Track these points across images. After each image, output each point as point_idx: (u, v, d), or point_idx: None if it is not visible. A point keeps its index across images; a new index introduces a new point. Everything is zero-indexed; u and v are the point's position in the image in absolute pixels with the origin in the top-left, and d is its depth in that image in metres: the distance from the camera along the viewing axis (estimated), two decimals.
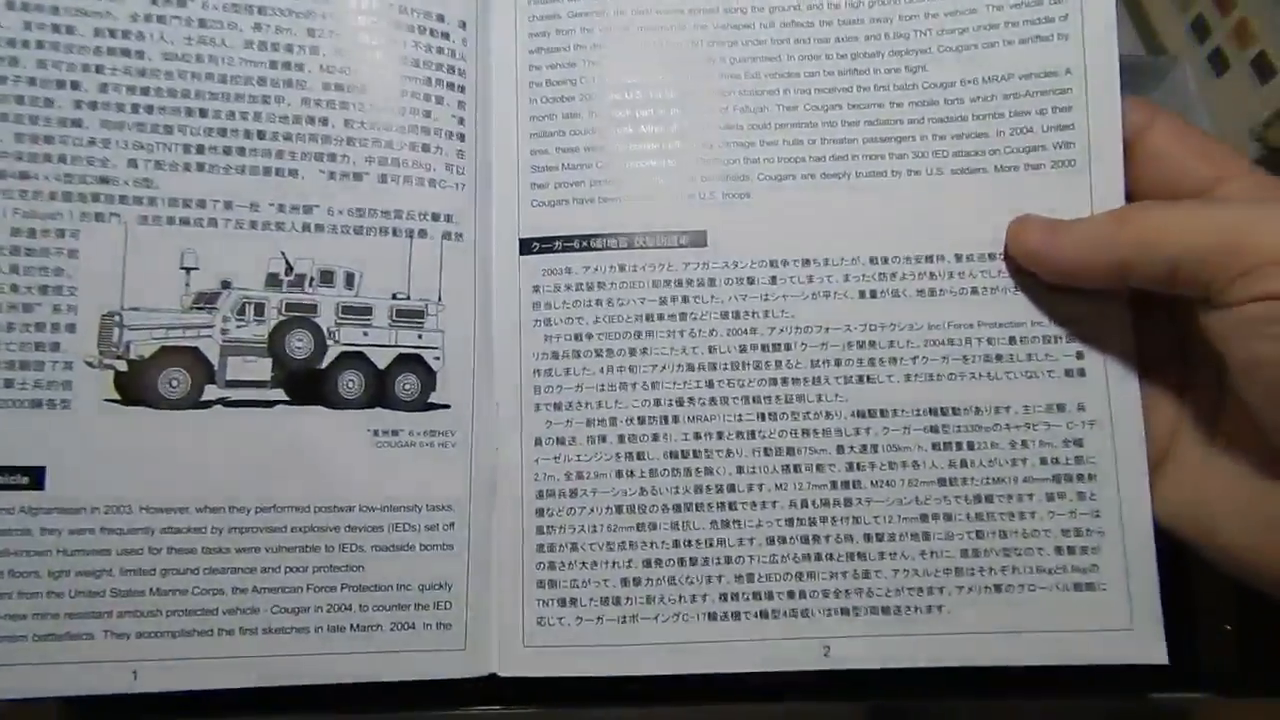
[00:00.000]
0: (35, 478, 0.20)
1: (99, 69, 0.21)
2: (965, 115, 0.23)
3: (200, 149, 0.21)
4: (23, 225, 0.21)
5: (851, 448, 0.22)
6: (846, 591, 0.22)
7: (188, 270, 0.21)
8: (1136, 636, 0.21)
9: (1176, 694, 0.23)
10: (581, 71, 0.24)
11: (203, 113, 0.21)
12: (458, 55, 0.23)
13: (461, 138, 0.23)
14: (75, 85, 0.21)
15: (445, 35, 0.23)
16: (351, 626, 0.21)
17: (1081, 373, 0.22)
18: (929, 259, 0.23)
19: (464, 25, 0.24)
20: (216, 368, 0.22)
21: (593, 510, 0.22)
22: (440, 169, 0.23)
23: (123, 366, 0.21)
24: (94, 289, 0.21)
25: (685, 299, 0.23)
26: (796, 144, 0.23)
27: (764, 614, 0.22)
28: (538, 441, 0.23)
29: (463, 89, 0.23)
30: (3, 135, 0.21)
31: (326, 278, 0.22)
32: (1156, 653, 0.21)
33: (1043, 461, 0.22)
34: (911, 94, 0.23)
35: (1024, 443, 0.22)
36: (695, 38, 0.24)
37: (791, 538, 0.22)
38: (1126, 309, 0.22)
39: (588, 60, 0.24)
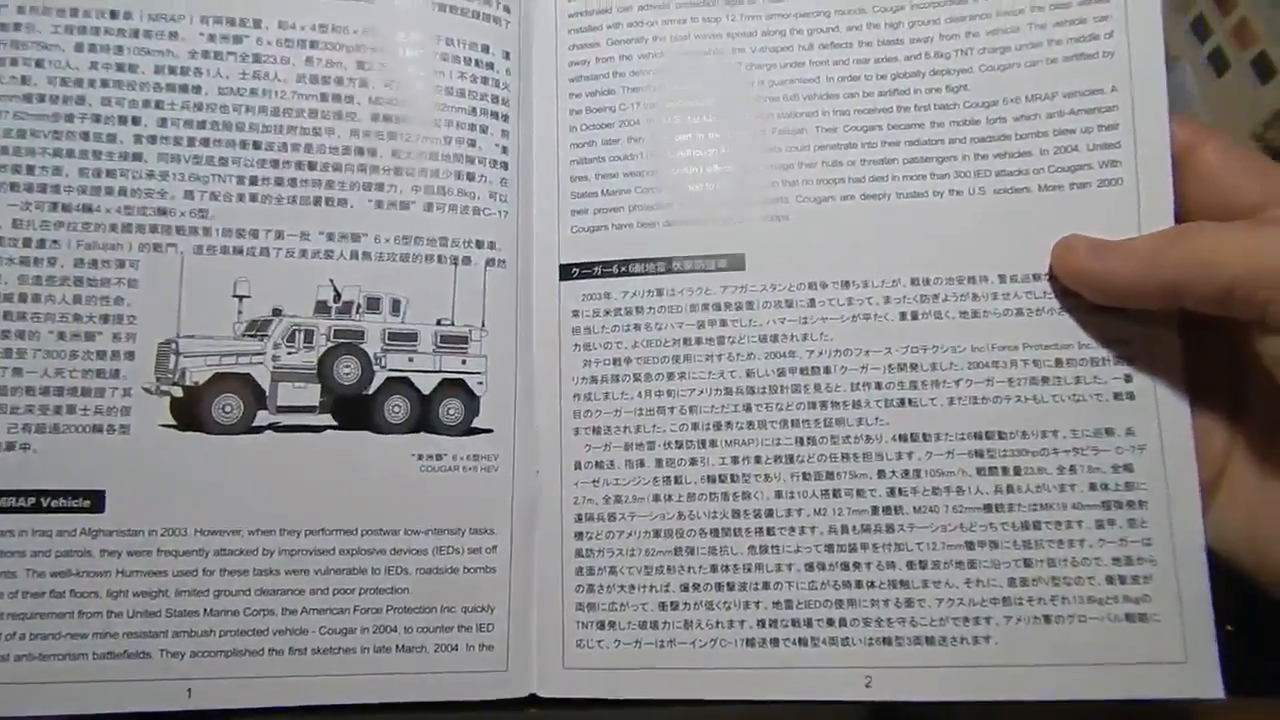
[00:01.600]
0: (96, 501, 0.20)
1: (159, 104, 0.21)
2: (1008, 134, 0.22)
3: (254, 180, 0.22)
4: (85, 256, 0.21)
5: (893, 472, 0.22)
6: (889, 620, 0.21)
7: (240, 299, 0.21)
8: (1191, 670, 0.20)
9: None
10: (620, 99, 0.24)
11: (256, 145, 0.22)
12: (501, 85, 0.23)
13: (505, 166, 0.23)
14: (136, 121, 0.21)
15: (490, 65, 0.23)
16: (397, 647, 0.21)
17: (1130, 396, 0.21)
18: (972, 280, 0.22)
19: (508, 55, 0.24)
20: (268, 393, 0.22)
21: (631, 534, 0.22)
22: (484, 197, 0.23)
23: (179, 393, 0.21)
24: (152, 318, 0.21)
25: (723, 322, 0.23)
26: (836, 165, 0.23)
27: (803, 641, 0.21)
28: (577, 465, 0.23)
29: (506, 118, 0.23)
30: (68, 170, 0.21)
31: (373, 305, 0.22)
32: (1212, 688, 0.20)
33: (1092, 487, 0.21)
34: (952, 113, 0.23)
35: (1072, 468, 0.21)
36: (734, 61, 0.24)
37: (831, 564, 0.22)
38: (1176, 331, 0.21)
39: (626, 88, 0.24)
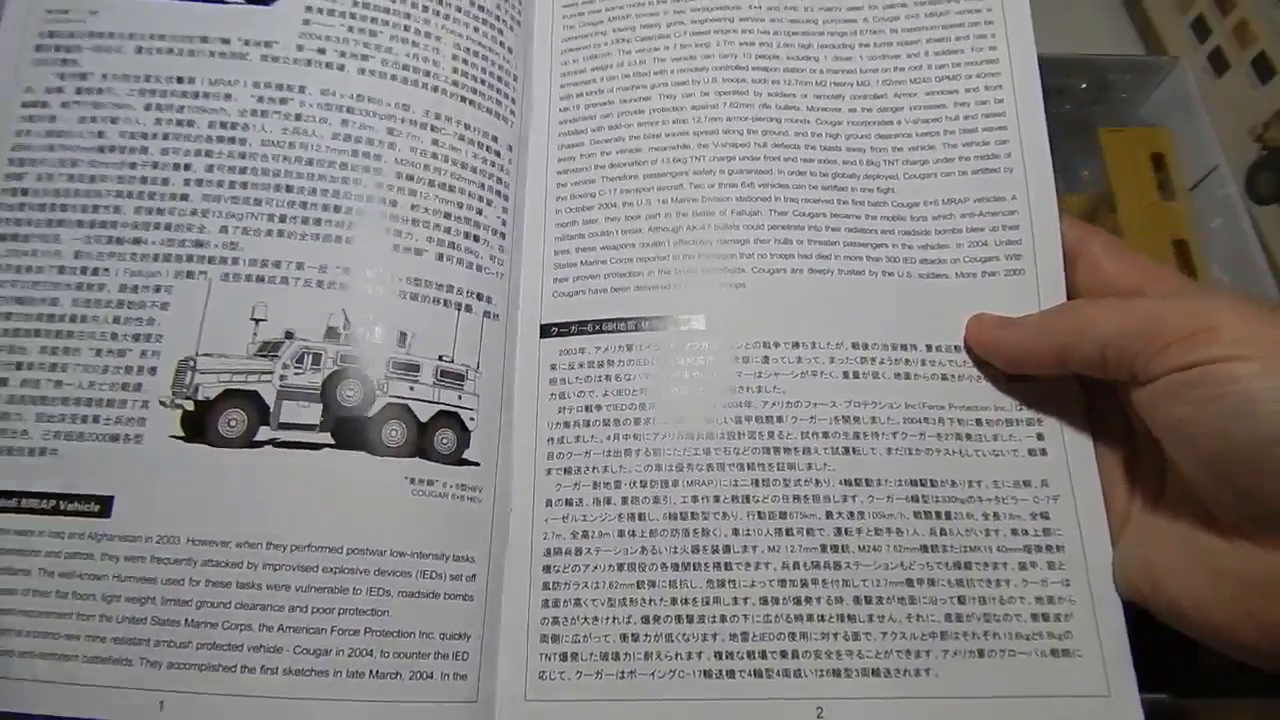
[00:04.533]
0: (105, 505, 0.23)
1: (208, 154, 0.27)
2: (929, 230, 0.29)
3: (283, 219, 0.26)
4: (129, 282, 0.25)
5: (839, 513, 0.26)
6: (838, 653, 0.24)
7: (257, 321, 0.25)
8: (1114, 703, 0.24)
9: (1177, 694, 0.25)
10: (600, 186, 0.30)
11: (289, 188, 0.27)
12: (505, 170, 0.30)
13: (503, 235, 0.29)
14: (188, 167, 0.26)
15: (497, 153, 0.30)
16: (371, 673, 0.23)
17: (1044, 452, 0.26)
18: (904, 347, 0.27)
19: (510, 148, 0.30)
20: (272, 410, 0.25)
21: (596, 568, 0.25)
22: (486, 259, 0.28)
23: (190, 406, 0.25)
24: (177, 337, 0.25)
25: (686, 376, 0.27)
26: (786, 243, 0.28)
27: (758, 673, 0.24)
28: (548, 502, 0.26)
29: (507, 197, 0.29)
30: (125, 208, 0.26)
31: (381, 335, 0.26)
32: (1133, 718, 0.24)
33: (1013, 532, 0.25)
34: (883, 209, 0.29)
35: (995, 514, 0.26)
36: (698, 154, 0.30)
37: (784, 598, 0.25)
38: (1080, 394, 0.27)
39: (606, 177, 0.30)
